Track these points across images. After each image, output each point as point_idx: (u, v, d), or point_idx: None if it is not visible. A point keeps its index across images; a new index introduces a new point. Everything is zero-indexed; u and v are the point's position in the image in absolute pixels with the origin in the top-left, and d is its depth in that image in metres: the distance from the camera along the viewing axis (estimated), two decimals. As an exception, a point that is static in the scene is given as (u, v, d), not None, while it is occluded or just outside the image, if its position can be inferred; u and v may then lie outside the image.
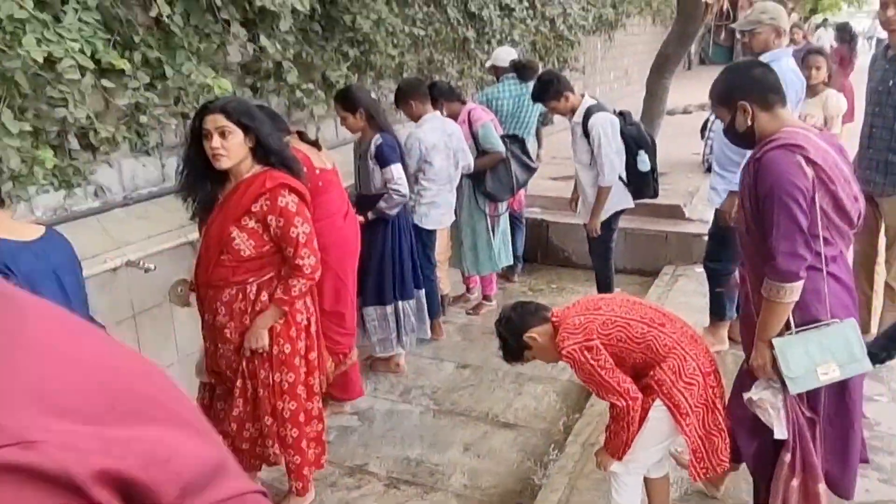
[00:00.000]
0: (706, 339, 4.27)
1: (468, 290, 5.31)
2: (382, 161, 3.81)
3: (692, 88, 12.66)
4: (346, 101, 3.87)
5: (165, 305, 3.52)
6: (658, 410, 2.30)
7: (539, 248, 6.16)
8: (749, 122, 2.25)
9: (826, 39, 10.79)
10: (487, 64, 5.71)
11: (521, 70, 5.13)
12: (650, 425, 2.31)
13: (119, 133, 3.33)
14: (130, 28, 3.30)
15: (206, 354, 2.89)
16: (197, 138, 2.60)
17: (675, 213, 6.03)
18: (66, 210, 3.23)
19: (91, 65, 2.98)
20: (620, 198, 4.35)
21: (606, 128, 4.12)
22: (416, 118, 4.34)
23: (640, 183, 4.35)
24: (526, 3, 7.53)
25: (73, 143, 3.20)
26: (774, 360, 2.21)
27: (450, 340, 4.65)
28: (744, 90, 2.25)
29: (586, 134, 4.18)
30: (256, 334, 2.66)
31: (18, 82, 2.66)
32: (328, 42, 4.72)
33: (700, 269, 5.18)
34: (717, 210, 4.08)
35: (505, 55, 5.35)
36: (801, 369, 2.17)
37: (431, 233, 4.36)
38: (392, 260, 3.97)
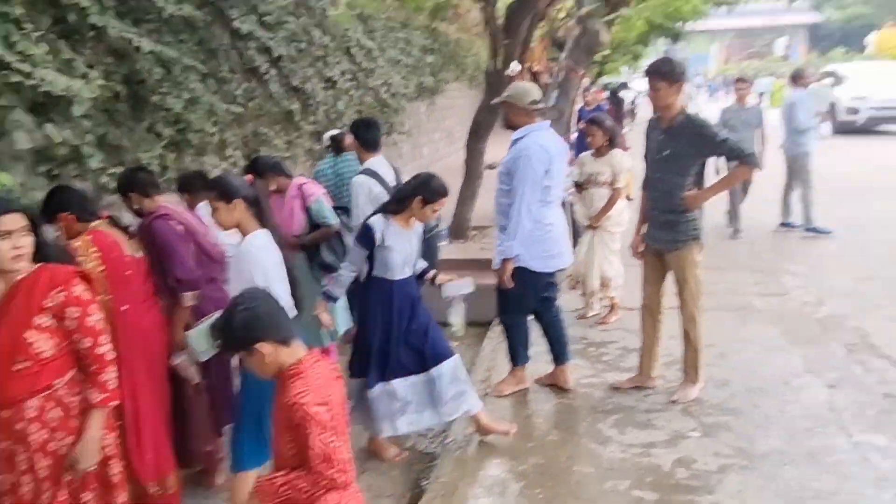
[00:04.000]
0: (508, 381, 4.10)
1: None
2: None
3: (501, 147, 12.97)
4: None
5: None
6: None
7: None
8: (136, 207, 3.15)
9: None
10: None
11: (334, 144, 5.11)
12: None
13: None
14: None
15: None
16: None
17: (499, 265, 5.87)
18: None
19: None
20: None
21: (362, 189, 3.94)
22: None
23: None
24: (349, 76, 7.23)
25: None
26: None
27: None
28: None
29: None
30: (87, 452, 2.17)
31: None
32: (138, 123, 4.09)
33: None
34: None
35: (327, 135, 5.35)
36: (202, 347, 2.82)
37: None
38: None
